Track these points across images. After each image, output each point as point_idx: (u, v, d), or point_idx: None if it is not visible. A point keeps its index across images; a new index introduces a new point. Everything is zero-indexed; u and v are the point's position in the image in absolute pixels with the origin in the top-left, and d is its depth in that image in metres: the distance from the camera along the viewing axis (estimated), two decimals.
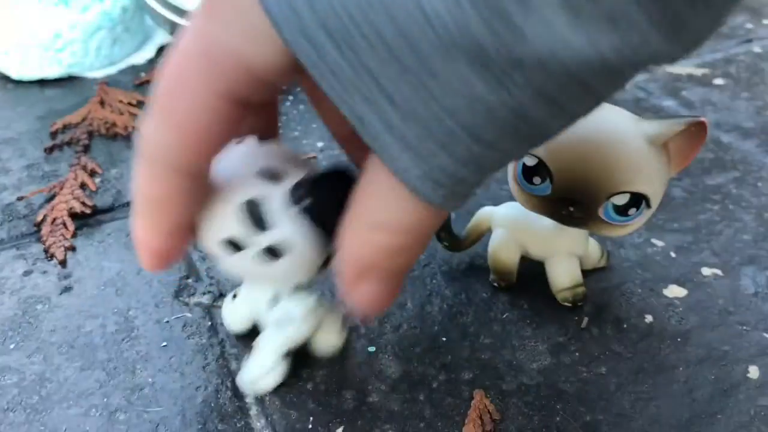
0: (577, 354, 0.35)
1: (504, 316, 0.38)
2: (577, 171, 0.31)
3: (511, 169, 0.34)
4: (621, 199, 0.31)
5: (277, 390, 0.34)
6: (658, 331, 0.37)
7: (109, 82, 0.61)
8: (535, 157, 0.32)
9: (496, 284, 0.39)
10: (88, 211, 0.46)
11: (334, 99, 0.19)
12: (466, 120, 0.18)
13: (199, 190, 0.25)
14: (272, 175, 0.27)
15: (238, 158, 0.28)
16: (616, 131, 0.31)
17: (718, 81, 0.61)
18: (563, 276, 0.38)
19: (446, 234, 0.40)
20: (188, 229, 0.26)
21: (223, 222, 0.26)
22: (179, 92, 0.21)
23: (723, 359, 0.35)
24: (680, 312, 0.38)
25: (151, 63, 0.65)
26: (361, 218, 0.22)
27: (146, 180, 0.24)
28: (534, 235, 0.38)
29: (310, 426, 0.32)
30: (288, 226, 0.26)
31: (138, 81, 0.61)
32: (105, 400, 0.34)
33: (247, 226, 0.26)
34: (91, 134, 0.54)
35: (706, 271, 0.40)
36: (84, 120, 0.56)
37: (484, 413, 0.32)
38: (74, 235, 0.44)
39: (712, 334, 0.36)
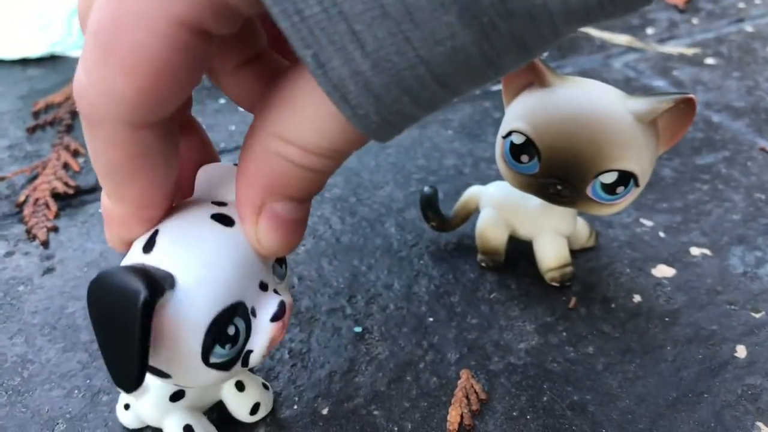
0: (564, 334, 0.35)
1: (491, 296, 0.37)
2: (564, 149, 0.31)
3: (499, 147, 0.33)
4: (609, 177, 0.31)
5: (263, 369, 0.33)
6: (646, 311, 0.36)
7: None
8: (523, 135, 0.32)
9: (483, 264, 0.39)
10: (70, 191, 0.46)
11: (295, 41, 0.17)
12: (439, 68, 0.17)
13: (167, 146, 0.21)
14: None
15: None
16: (604, 109, 0.30)
17: (710, 61, 0.61)
18: (551, 256, 0.37)
19: (433, 214, 0.40)
20: (163, 197, 0.23)
21: None
22: (125, 22, 0.17)
23: (711, 339, 0.35)
24: (668, 291, 0.38)
25: None
26: (271, 130, 0.20)
27: (100, 146, 0.20)
28: (522, 214, 0.37)
29: (295, 406, 0.32)
30: None
31: None
32: (88, 381, 0.33)
33: None
34: (74, 114, 0.53)
35: (694, 250, 0.40)
36: (67, 99, 0.55)
37: (471, 393, 0.32)
38: (57, 216, 0.44)
39: (700, 314, 0.36)
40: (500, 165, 0.34)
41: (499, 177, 0.36)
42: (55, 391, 0.33)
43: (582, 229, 0.39)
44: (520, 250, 0.40)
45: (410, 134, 0.51)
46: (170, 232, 0.24)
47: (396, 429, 0.31)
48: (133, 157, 0.20)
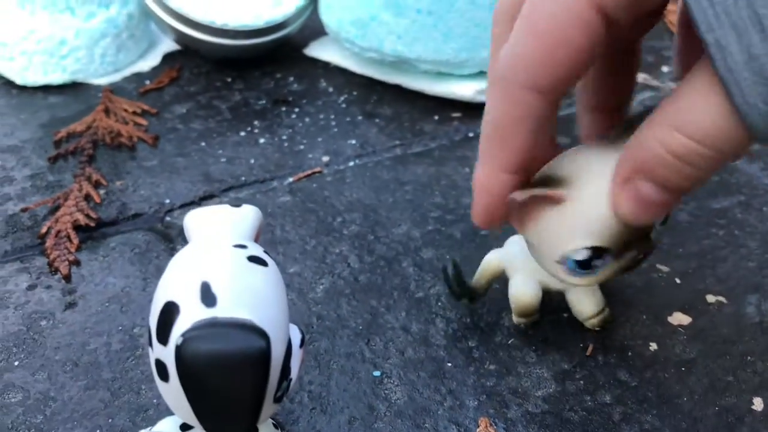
0: (581, 382, 0.36)
1: (509, 341, 0.38)
2: None
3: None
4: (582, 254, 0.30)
5: (282, 412, 0.34)
6: (663, 360, 0.37)
7: (113, 89, 0.61)
8: None
9: (522, 325, 0.39)
10: (92, 223, 0.46)
11: (701, 25, 0.19)
12: None
13: (547, 122, 0.24)
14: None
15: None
16: None
17: None
18: (587, 303, 0.37)
19: (459, 287, 0.39)
20: (522, 166, 0.26)
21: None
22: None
23: (727, 390, 0.35)
24: (684, 340, 0.38)
25: (156, 71, 0.65)
26: (658, 119, 0.22)
27: (497, 102, 0.23)
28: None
29: None
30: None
31: (143, 89, 0.61)
32: (110, 420, 0.34)
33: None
34: (95, 144, 0.54)
35: (710, 298, 0.40)
36: (89, 129, 0.56)
37: None
38: (78, 249, 0.44)
39: (716, 364, 0.36)
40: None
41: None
42: (77, 430, 0.33)
43: (585, 303, 0.38)
44: None
45: (427, 171, 0.51)
46: (223, 281, 0.25)
47: None
48: (517, 119, 0.23)
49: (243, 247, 0.27)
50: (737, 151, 0.22)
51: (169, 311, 0.25)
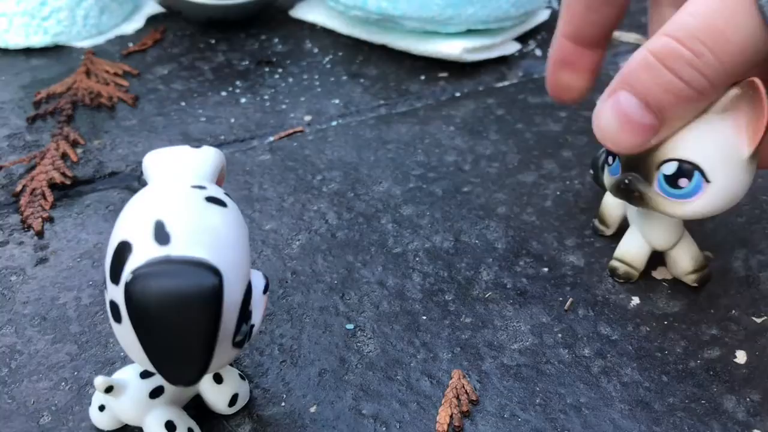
0: (560, 335, 0.35)
1: (486, 295, 0.37)
2: None
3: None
4: (669, 168, 0.30)
5: (251, 365, 0.33)
6: (645, 313, 0.36)
7: (96, 52, 0.60)
8: None
9: (593, 230, 0.41)
10: (68, 182, 0.45)
11: None
12: None
13: None
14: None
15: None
16: None
17: None
18: (629, 250, 0.37)
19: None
20: (588, 34, 0.31)
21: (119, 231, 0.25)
22: None
23: (710, 344, 0.34)
24: (668, 294, 0.37)
25: (140, 33, 0.63)
26: (660, 31, 0.22)
27: None
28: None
29: (283, 404, 0.31)
30: None
31: (125, 51, 0.60)
32: (75, 373, 0.33)
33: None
34: (74, 104, 0.53)
35: None
36: (69, 89, 0.55)
37: (462, 393, 0.32)
38: (53, 206, 0.44)
39: (700, 318, 0.35)
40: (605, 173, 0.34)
41: (498, 175, 0.35)
42: (42, 382, 0.33)
43: (683, 260, 0.37)
44: (515, 249, 0.39)
45: (411, 130, 0.50)
46: (178, 220, 0.24)
47: (384, 429, 0.30)
48: None
49: (202, 188, 0.26)
50: (740, 62, 0.20)
51: (122, 250, 0.24)
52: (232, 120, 0.51)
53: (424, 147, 0.48)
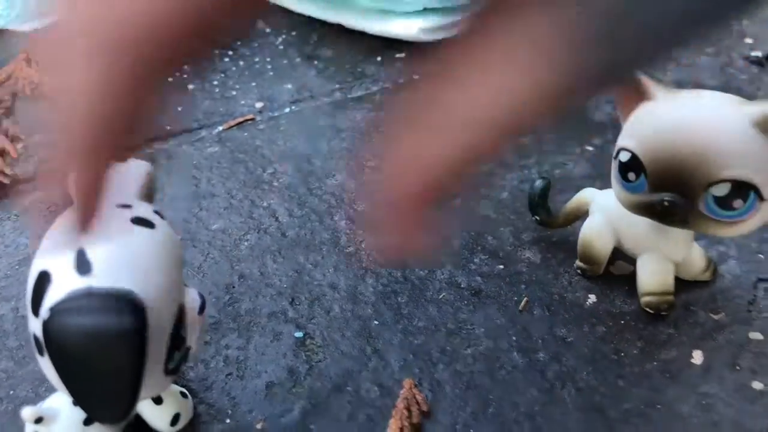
0: (515, 338, 0.34)
1: (440, 296, 0.36)
2: (671, 160, 0.28)
3: (613, 170, 0.31)
4: (721, 189, 0.28)
5: (195, 379, 0.32)
6: (602, 312, 0.35)
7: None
8: (629, 151, 0.30)
9: (580, 272, 0.37)
10: (6, 181, 0.43)
11: None
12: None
13: None
14: None
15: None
16: (714, 115, 0.28)
17: None
18: (653, 279, 0.34)
19: (542, 209, 0.37)
20: None
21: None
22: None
23: (667, 343, 0.33)
24: (626, 291, 0.36)
25: None
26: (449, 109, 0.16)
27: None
28: (632, 227, 0.34)
29: (228, 420, 0.30)
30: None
31: None
32: (11, 392, 0.32)
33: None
34: (15, 95, 0.51)
35: None
36: (9, 78, 0.52)
37: (413, 404, 0.31)
38: None
39: (658, 316, 0.35)
40: (614, 188, 0.32)
41: None
42: None
43: (697, 259, 0.36)
44: (470, 245, 0.38)
45: (367, 117, 0.48)
46: (100, 247, 0.22)
47: None
48: None
49: (127, 207, 0.24)
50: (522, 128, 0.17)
51: (42, 281, 0.23)
52: (179, 108, 0.49)
53: (380, 136, 0.47)
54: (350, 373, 0.32)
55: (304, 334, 0.34)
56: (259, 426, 0.30)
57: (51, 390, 0.31)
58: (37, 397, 0.31)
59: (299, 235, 0.39)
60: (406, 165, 0.16)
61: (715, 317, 0.34)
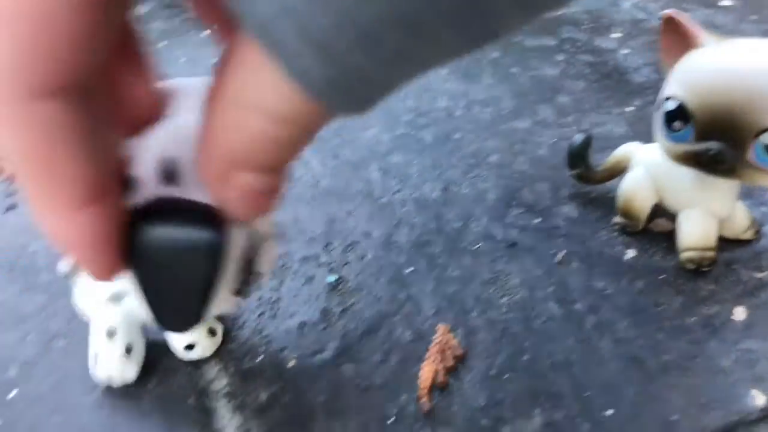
0: (552, 288, 0.33)
1: (475, 247, 0.35)
2: (719, 107, 0.27)
3: (657, 121, 0.31)
4: None
5: (228, 318, 0.32)
6: (641, 267, 0.34)
7: None
8: (676, 99, 0.29)
9: (619, 227, 0.36)
10: None
11: None
12: (406, 4, 0.12)
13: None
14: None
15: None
16: (765, 63, 0.27)
17: (725, 2, 0.57)
18: (695, 234, 0.33)
19: (582, 163, 0.37)
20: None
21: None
22: None
23: (708, 299, 0.33)
24: (666, 247, 0.35)
25: None
26: (231, 96, 0.15)
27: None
28: (675, 182, 0.33)
29: (260, 357, 0.30)
30: None
31: None
32: (44, 324, 0.32)
33: None
34: None
35: None
36: None
37: (447, 349, 0.30)
38: None
39: (699, 272, 0.34)
40: (658, 139, 0.31)
41: (491, 122, 0.33)
42: (9, 333, 0.31)
43: (741, 218, 0.35)
44: (507, 199, 0.38)
45: None
46: (190, 158, 0.22)
47: (364, 385, 0.29)
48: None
49: None
50: (325, 122, 0.16)
51: (127, 183, 0.23)
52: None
53: (414, 90, 0.46)
54: (383, 316, 0.32)
55: (337, 279, 0.34)
56: (291, 364, 0.30)
57: (82, 323, 0.31)
58: (69, 331, 0.31)
59: (332, 184, 0.39)
60: (212, 138, 0.16)
61: (758, 275, 0.34)
